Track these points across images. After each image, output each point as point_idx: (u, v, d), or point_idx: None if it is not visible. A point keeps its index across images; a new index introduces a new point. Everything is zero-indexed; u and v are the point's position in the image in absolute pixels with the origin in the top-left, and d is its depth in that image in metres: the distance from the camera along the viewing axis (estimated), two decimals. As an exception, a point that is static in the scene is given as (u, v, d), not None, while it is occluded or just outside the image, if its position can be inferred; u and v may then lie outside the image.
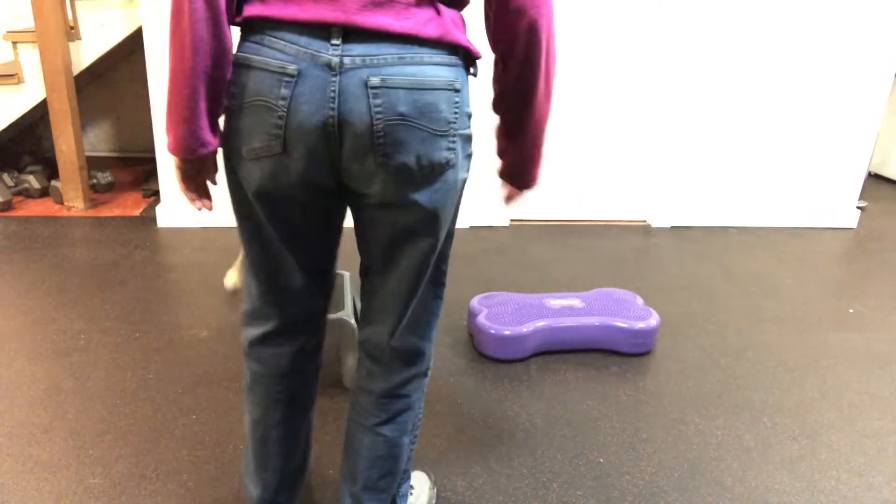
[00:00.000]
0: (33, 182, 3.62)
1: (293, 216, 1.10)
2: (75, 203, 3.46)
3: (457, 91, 1.03)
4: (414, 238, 1.11)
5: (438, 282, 1.23)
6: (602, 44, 3.39)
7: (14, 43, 3.30)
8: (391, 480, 1.33)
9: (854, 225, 3.86)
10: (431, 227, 1.10)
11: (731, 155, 3.64)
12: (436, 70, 1.00)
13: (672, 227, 3.71)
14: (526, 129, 1.14)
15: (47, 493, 1.58)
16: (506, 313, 2.27)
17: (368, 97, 0.96)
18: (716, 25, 3.37)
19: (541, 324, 2.22)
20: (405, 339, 1.23)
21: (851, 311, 2.75)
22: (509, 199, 1.29)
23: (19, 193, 3.67)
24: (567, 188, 3.65)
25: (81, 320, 2.37)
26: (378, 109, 0.97)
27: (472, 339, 2.34)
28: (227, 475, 1.66)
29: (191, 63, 0.97)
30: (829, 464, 1.80)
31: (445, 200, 1.09)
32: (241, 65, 1.01)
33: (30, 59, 3.31)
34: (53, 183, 3.53)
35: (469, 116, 1.08)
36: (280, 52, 0.97)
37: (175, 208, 3.37)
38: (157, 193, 3.35)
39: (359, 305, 2.38)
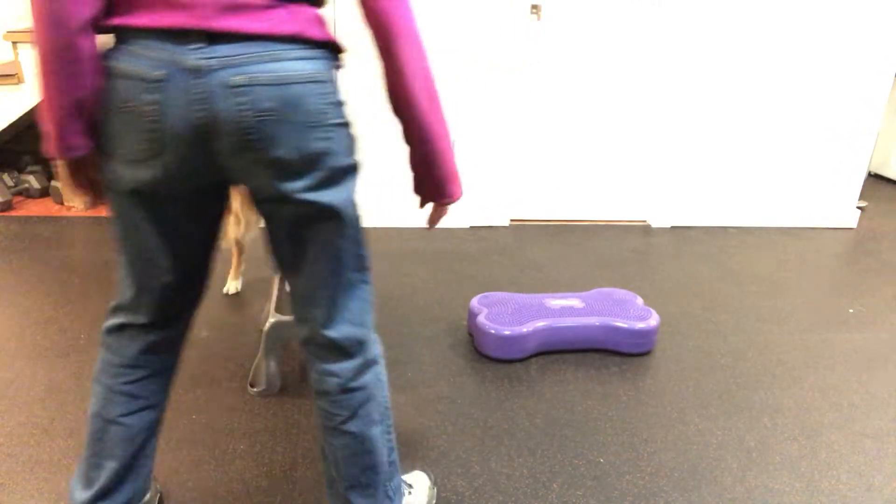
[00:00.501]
0: (33, 182, 3.62)
1: (171, 217, 1.14)
2: (75, 203, 3.46)
3: (322, 82, 1.06)
4: (313, 228, 1.14)
5: (360, 267, 1.24)
6: (602, 44, 3.39)
7: (14, 43, 3.30)
8: (373, 474, 1.33)
9: (854, 225, 3.86)
10: (324, 216, 1.13)
11: (730, 155, 3.64)
12: (296, 64, 1.03)
13: (672, 227, 3.71)
14: (414, 134, 1.15)
15: (47, 493, 1.58)
16: (506, 313, 2.27)
17: (234, 96, 1.01)
18: (716, 25, 3.37)
19: (541, 324, 2.22)
20: (340, 330, 1.24)
21: (851, 311, 2.75)
22: (431, 221, 1.28)
23: (19, 193, 3.67)
24: (565, 188, 3.65)
25: (81, 320, 2.37)
26: (245, 107, 1.02)
27: (472, 339, 2.34)
28: (228, 475, 1.66)
29: (50, 69, 1.01)
30: (829, 464, 1.80)
31: (330, 187, 1.12)
32: (109, 72, 1.04)
33: (30, 60, 3.31)
34: (53, 183, 3.53)
35: (341, 105, 1.11)
36: (145, 59, 1.01)
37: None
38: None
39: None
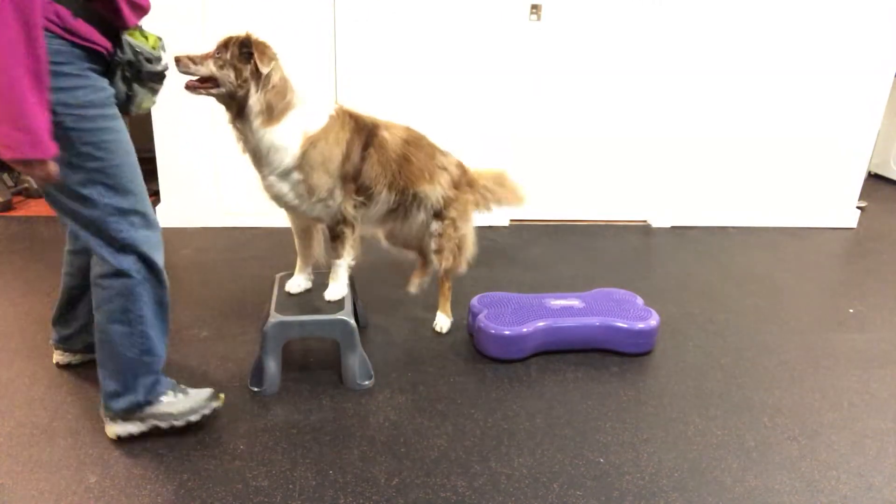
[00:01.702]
0: (33, 182, 3.62)
1: None
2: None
3: None
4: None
5: (80, 200, 1.61)
6: (602, 44, 3.39)
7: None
8: (110, 364, 1.68)
9: (854, 225, 3.86)
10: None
11: (730, 155, 3.64)
12: None
13: (672, 227, 3.71)
14: None
15: (47, 493, 1.58)
16: (506, 313, 2.27)
17: None
18: (716, 25, 3.37)
19: (541, 324, 2.22)
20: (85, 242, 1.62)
21: (851, 311, 2.75)
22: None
23: (19, 193, 3.67)
24: (565, 188, 3.65)
25: (81, 320, 2.37)
26: None
27: (472, 339, 2.34)
28: (228, 475, 1.66)
29: None
30: (829, 464, 1.80)
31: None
32: None
33: None
34: (53, 183, 3.53)
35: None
36: None
37: (175, 208, 3.37)
38: (156, 194, 3.35)
39: (359, 307, 2.38)
